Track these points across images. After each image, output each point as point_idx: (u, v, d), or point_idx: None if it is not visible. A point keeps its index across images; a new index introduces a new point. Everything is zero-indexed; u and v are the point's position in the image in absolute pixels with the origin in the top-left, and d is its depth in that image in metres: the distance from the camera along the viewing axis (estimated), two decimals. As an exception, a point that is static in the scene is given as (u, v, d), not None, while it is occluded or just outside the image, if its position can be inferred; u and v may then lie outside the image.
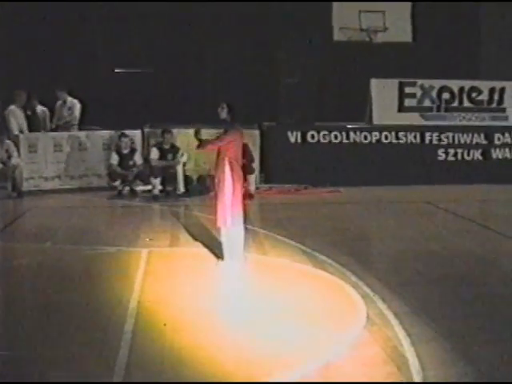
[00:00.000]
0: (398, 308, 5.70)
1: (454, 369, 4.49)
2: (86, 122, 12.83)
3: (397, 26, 14.75)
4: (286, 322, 5.30)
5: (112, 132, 12.43)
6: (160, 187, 11.62)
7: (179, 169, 11.69)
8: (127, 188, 11.90)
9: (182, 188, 11.71)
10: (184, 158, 11.81)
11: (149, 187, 11.82)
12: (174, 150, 11.79)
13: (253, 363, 4.52)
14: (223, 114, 6.99)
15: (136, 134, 12.47)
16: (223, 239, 6.99)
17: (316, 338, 5.00)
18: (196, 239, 8.17)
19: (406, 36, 14.86)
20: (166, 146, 11.74)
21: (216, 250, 7.32)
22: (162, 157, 11.69)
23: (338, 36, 14.73)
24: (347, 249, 7.92)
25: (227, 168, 6.81)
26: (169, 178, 11.68)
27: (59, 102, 12.57)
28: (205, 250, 7.54)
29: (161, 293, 6.12)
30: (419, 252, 7.82)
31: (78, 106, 12.48)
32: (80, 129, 12.57)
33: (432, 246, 8.09)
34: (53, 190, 11.96)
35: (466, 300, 5.96)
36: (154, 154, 11.66)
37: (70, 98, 12.47)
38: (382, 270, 6.96)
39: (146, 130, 12.70)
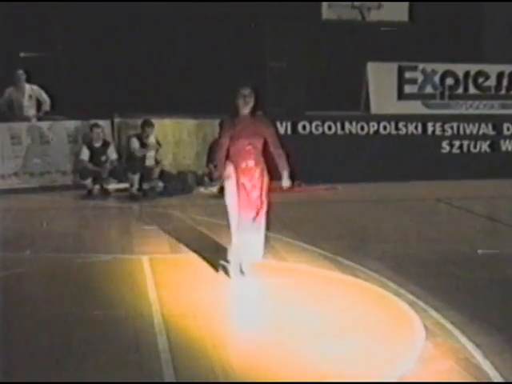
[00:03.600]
0: (453, 317, 5.83)
1: (541, 383, 4.63)
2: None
3: (392, 4, 15.01)
4: (346, 337, 5.35)
5: (78, 122, 12.26)
6: (137, 185, 11.54)
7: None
8: (97, 187, 11.76)
9: (161, 185, 11.68)
10: (153, 152, 11.69)
11: (123, 185, 11.72)
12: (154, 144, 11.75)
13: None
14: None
15: (105, 125, 12.33)
16: (241, 245, 6.94)
17: (382, 352, 5.08)
18: (197, 244, 8.13)
19: (402, 15, 15.13)
20: (146, 140, 11.62)
21: (225, 256, 7.30)
22: (142, 151, 11.65)
23: (327, 14, 14.91)
24: (371, 252, 8.06)
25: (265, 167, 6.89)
26: (147, 174, 11.62)
27: (11, 89, 12.29)
28: (213, 257, 7.51)
29: (182, 305, 6.09)
30: (451, 255, 7.97)
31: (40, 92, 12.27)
32: (39, 118, 12.34)
33: (463, 248, 8.28)
34: (9, 189, 11.68)
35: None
36: (136, 144, 11.53)
37: (27, 85, 12.23)
38: (419, 275, 7.06)
39: (117, 120, 12.58)
